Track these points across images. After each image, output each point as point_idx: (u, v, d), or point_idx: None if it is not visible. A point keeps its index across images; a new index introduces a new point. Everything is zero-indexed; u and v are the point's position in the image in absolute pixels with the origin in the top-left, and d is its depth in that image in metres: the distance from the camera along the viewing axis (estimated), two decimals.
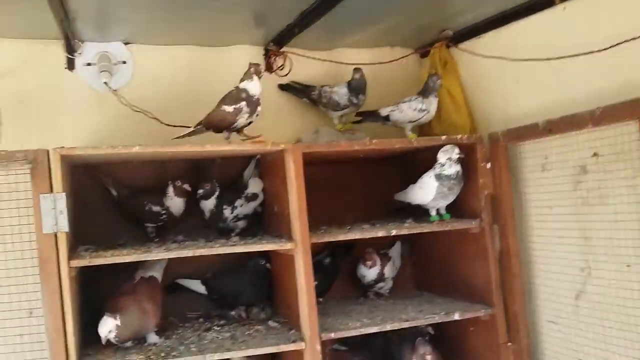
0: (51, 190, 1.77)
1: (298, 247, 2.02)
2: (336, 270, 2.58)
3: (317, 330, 2.01)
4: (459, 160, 2.21)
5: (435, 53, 2.64)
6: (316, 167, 2.56)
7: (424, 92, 2.44)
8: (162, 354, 1.90)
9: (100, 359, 1.88)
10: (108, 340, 1.90)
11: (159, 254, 1.92)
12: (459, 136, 2.27)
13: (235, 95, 2.14)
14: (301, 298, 2.01)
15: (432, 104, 2.43)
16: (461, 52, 2.57)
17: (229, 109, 2.12)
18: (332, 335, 2.04)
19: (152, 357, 1.88)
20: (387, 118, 2.47)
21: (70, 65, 2.46)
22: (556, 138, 2.04)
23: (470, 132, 2.51)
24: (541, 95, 2.19)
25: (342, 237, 2.13)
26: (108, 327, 1.88)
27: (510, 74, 2.32)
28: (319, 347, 2.00)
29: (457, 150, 2.20)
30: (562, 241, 2.03)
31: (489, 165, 2.27)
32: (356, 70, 2.52)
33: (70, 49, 2.43)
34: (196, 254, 1.95)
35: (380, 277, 2.53)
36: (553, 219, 2.07)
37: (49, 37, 2.36)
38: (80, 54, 2.47)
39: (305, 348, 2.00)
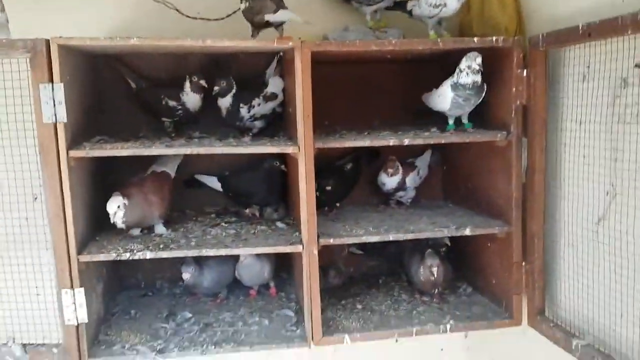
0: (51, 80, 1.77)
1: (301, 152, 1.95)
2: (356, 177, 2.51)
3: (315, 236, 1.98)
4: (479, 71, 2.00)
5: None
6: (345, 66, 2.46)
7: None
8: (161, 245, 1.97)
9: (104, 245, 1.97)
10: (115, 223, 1.98)
11: (157, 150, 1.92)
12: (493, 38, 2.02)
13: None
14: (302, 203, 1.97)
15: None
16: None
17: None
18: (331, 241, 2.01)
19: (150, 247, 1.95)
20: (410, 12, 2.24)
21: None
22: (601, 44, 1.76)
23: (516, 34, 2.23)
24: None
25: (349, 144, 2.02)
26: (116, 203, 1.96)
27: None
28: (316, 252, 1.98)
29: (478, 60, 1.99)
30: (590, 161, 1.82)
31: (525, 72, 2.03)
32: None
33: None
34: (194, 152, 1.94)
35: (401, 186, 2.43)
36: (585, 135, 1.84)
37: None
38: None
39: (302, 251, 1.99)
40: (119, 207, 1.97)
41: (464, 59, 2.01)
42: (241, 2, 2.07)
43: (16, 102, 1.85)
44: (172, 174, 2.26)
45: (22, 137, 1.88)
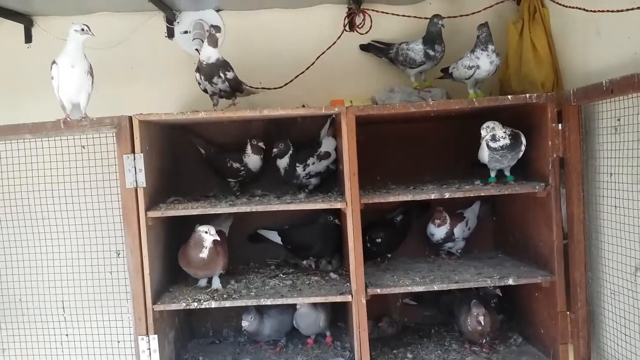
0: (133, 151, 2.07)
1: (348, 207, 2.13)
2: (406, 229, 2.64)
3: (363, 286, 2.13)
4: (505, 136, 2.14)
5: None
6: (397, 124, 2.64)
7: (474, 47, 2.32)
8: (225, 295, 2.19)
9: (176, 296, 2.21)
10: (205, 246, 2.19)
11: (222, 209, 2.16)
12: (526, 95, 2.15)
13: None
14: (350, 255, 2.14)
15: (480, 59, 2.29)
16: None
17: None
18: (378, 291, 2.15)
19: (215, 297, 2.17)
20: (452, 75, 2.42)
21: (170, 33, 2.76)
22: (629, 98, 1.85)
23: (553, 90, 2.35)
24: (623, 50, 1.98)
25: (393, 198, 2.18)
26: (213, 230, 2.17)
27: (592, 25, 2.12)
28: (364, 301, 2.12)
29: (492, 133, 2.14)
30: (623, 212, 1.88)
31: (560, 126, 2.13)
32: (431, 19, 2.45)
33: (170, 19, 2.73)
34: (253, 210, 2.16)
35: (449, 237, 2.54)
36: (618, 187, 1.91)
37: (151, 9, 2.66)
38: (178, 22, 2.76)
39: (351, 301, 2.14)
40: (213, 234, 2.18)
41: (482, 130, 2.16)
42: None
43: (104, 171, 2.16)
44: (226, 232, 2.48)
45: (108, 201, 2.17)
